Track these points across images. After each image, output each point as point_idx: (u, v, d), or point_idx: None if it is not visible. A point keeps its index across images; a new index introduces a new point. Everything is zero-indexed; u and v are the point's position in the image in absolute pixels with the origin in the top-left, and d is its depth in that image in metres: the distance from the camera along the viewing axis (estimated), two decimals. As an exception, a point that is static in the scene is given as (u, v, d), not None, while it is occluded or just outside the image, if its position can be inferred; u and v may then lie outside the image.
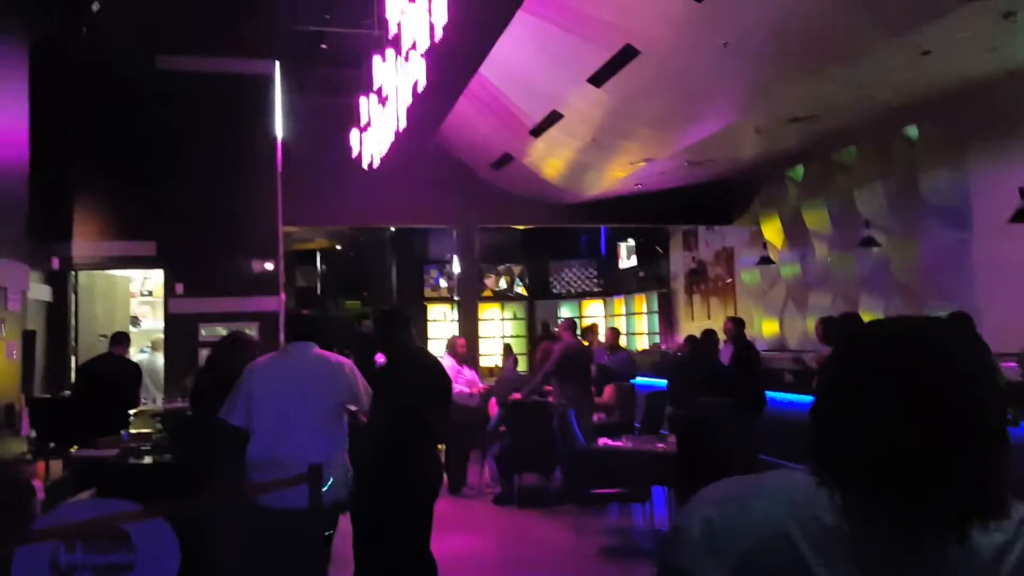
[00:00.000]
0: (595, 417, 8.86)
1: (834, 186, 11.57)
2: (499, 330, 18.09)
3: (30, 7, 6.23)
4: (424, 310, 17.37)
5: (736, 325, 8.97)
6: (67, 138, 9.26)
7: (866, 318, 8.76)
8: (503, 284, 18.65)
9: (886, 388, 0.98)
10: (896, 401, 0.97)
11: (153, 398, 9.55)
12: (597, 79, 8.46)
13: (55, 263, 9.58)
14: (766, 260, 12.54)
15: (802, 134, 9.78)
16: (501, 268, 18.62)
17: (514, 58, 9.37)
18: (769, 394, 8.93)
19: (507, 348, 13.82)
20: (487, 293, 18.06)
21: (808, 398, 8.71)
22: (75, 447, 5.99)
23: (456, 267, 14.31)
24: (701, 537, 1.06)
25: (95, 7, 6.41)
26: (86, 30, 6.50)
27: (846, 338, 1.08)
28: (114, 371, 7.54)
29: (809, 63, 7.42)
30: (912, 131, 10.05)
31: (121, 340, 7.99)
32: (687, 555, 1.06)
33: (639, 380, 11.24)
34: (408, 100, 7.85)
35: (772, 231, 13.05)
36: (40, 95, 6.45)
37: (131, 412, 7.51)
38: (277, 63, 10.50)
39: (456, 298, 14.96)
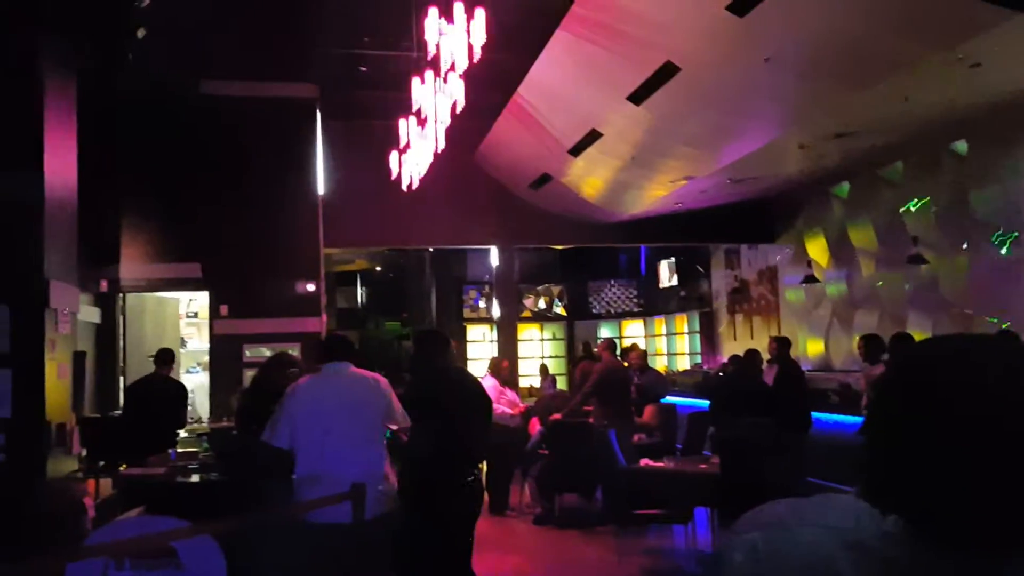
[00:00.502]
0: (635, 437, 8.79)
1: (881, 203, 11.41)
2: (538, 350, 18.05)
3: (77, 35, 6.39)
4: (463, 331, 17.39)
5: (781, 345, 8.86)
6: (114, 163, 9.46)
7: (915, 337, 8.61)
8: (542, 304, 18.61)
9: (949, 408, 0.94)
10: (960, 422, 0.93)
11: (199, 418, 9.67)
12: (636, 97, 8.45)
13: (103, 286, 9.77)
14: (811, 279, 12.39)
15: (847, 150, 9.67)
16: (540, 288, 18.59)
17: (553, 77, 9.40)
18: (814, 415, 8.79)
19: (543, 368, 13.79)
20: (526, 313, 18.04)
21: (854, 419, 8.58)
22: (124, 466, 6.08)
23: (495, 288, 14.33)
24: (745, 563, 1.02)
25: (140, 34, 6.55)
26: (131, 57, 6.64)
27: (904, 355, 1.05)
28: (160, 391, 7.57)
29: (854, 77, 7.35)
30: (961, 146, 9.89)
31: (166, 359, 7.92)
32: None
33: (681, 400, 11.14)
34: (447, 121, 7.90)
35: (817, 249, 12.90)
36: (87, 121, 6.60)
37: (179, 431, 7.61)
38: (318, 87, 10.64)
39: (495, 319, 14.98)
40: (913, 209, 10.73)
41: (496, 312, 14.72)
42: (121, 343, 9.90)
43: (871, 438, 1.01)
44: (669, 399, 10.97)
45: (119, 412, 8.07)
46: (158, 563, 4.25)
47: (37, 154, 5.51)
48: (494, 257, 14.22)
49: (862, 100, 7.84)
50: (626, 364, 10.45)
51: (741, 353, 9.45)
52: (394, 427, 4.67)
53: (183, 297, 11.39)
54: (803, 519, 1.03)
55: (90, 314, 9.10)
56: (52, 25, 5.84)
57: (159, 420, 7.09)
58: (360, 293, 22.84)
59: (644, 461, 7.14)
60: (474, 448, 4.74)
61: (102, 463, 6.43)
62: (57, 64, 5.91)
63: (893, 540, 0.96)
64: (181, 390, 7.77)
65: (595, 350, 10.65)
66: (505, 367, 9.58)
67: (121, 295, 10.08)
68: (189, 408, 8.85)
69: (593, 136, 9.97)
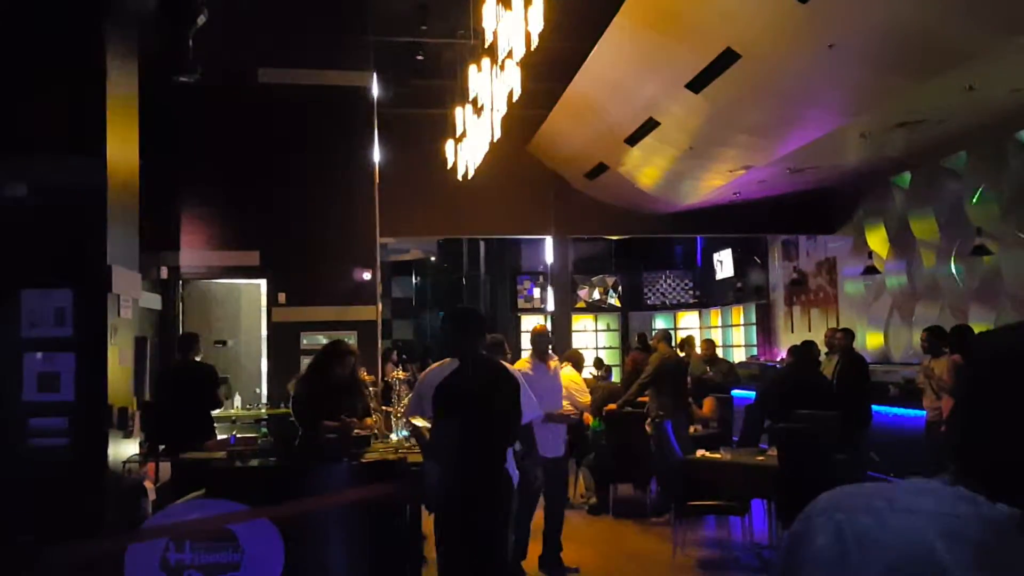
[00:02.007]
0: (691, 428, 8.70)
1: (943, 193, 11.10)
2: (592, 341, 17.97)
3: (138, 23, 6.49)
4: (517, 321, 17.39)
5: (846, 336, 8.70)
6: (174, 151, 9.61)
7: (977, 329, 8.37)
8: (596, 295, 18.51)
9: None
10: None
11: (257, 402, 9.78)
12: (695, 84, 8.31)
13: (164, 272, 9.94)
14: (871, 270, 12.11)
15: (910, 139, 9.42)
16: (595, 279, 18.50)
17: (610, 65, 9.30)
18: (877, 408, 8.62)
19: (598, 362, 13.71)
20: (580, 304, 17.96)
21: (915, 412, 8.37)
22: (183, 450, 6.18)
23: (550, 278, 14.29)
24: (828, 546, 0.96)
25: (201, 21, 6.63)
26: (192, 44, 6.72)
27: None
28: (188, 376, 7.38)
29: (919, 66, 7.14)
30: (1027, 135, 9.58)
31: (188, 344, 7.64)
32: (813, 565, 0.96)
33: (737, 392, 10.99)
34: (503, 110, 7.86)
35: (877, 240, 12.61)
36: (148, 109, 6.71)
37: (213, 414, 7.56)
38: (375, 75, 10.68)
39: (550, 309, 14.93)
40: (975, 201, 10.41)
41: (550, 303, 14.67)
42: (180, 330, 10.07)
43: (972, 422, 0.96)
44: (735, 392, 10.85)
45: (149, 400, 7.83)
46: (217, 546, 4.31)
47: (100, 140, 5.60)
48: (549, 247, 14.17)
49: (926, 89, 7.61)
50: (682, 355, 10.36)
51: (799, 344, 9.29)
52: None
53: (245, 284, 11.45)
54: (894, 504, 0.96)
55: (151, 300, 9.27)
56: (115, 12, 5.93)
57: (191, 405, 7.04)
58: (415, 283, 23.00)
59: (700, 452, 7.06)
60: (496, 447, 4.30)
61: (162, 447, 6.54)
62: (119, 51, 6.00)
63: (998, 529, 0.90)
64: (211, 374, 7.59)
65: (650, 341, 10.53)
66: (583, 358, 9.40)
67: (180, 282, 10.24)
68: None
69: (650, 125, 9.84)
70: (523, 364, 6.54)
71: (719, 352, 17.14)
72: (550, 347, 6.85)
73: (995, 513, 0.91)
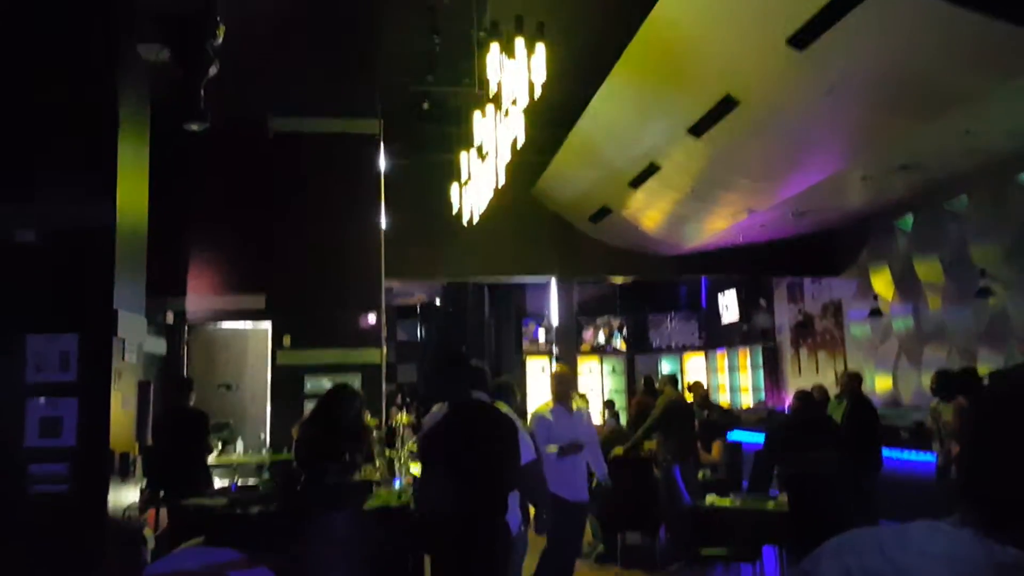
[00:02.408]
0: (699, 474, 8.61)
1: (946, 235, 11.12)
2: (598, 384, 17.90)
3: (151, 70, 6.58)
4: (522, 364, 17.34)
5: (851, 380, 8.66)
6: (183, 195, 9.69)
7: (984, 372, 8.32)
8: (602, 338, 18.49)
9: None
10: None
11: (260, 447, 9.72)
12: (696, 129, 8.39)
13: (169, 317, 9.96)
14: (876, 312, 12.09)
15: (911, 182, 9.47)
16: (600, 321, 18.49)
17: (612, 111, 9.40)
18: (887, 452, 8.54)
19: (609, 404, 13.63)
20: (585, 347, 17.94)
21: (926, 456, 8.29)
22: (183, 497, 6.13)
23: (554, 321, 14.28)
24: None
25: (213, 70, 6.72)
26: (203, 93, 6.80)
27: (1001, 377, 1.00)
28: (182, 421, 7.34)
29: (916, 110, 7.20)
30: (1026, 177, 9.62)
31: (183, 388, 7.61)
32: None
33: (745, 436, 10.91)
34: (507, 155, 7.93)
35: (882, 283, 12.60)
36: (158, 154, 6.77)
37: (209, 460, 7.49)
38: (381, 122, 10.79)
39: (554, 352, 14.90)
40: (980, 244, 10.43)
41: (555, 346, 14.64)
42: (185, 374, 10.05)
43: (977, 462, 0.96)
44: (735, 435, 10.76)
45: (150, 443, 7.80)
46: (216, 594, 4.26)
47: (110, 185, 5.65)
48: (553, 290, 14.18)
49: (925, 132, 7.68)
50: (690, 399, 10.30)
51: (807, 388, 9.24)
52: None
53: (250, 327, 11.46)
54: (906, 546, 0.97)
55: (156, 345, 9.27)
56: (128, 60, 6.02)
57: (185, 450, 6.98)
58: (420, 326, 22.99)
59: (710, 498, 6.98)
60: (489, 494, 4.02)
61: (163, 493, 6.49)
62: (132, 97, 6.08)
63: (1007, 572, 0.90)
64: (202, 419, 7.53)
65: (656, 384, 10.46)
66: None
67: (186, 326, 10.26)
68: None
69: (652, 169, 9.92)
70: (544, 409, 6.34)
71: (721, 396, 17.11)
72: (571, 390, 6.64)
73: (1005, 556, 0.91)
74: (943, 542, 0.95)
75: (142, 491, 6.15)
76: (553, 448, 5.91)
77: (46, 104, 5.71)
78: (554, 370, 6.92)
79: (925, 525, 0.99)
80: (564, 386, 6.50)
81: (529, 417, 6.58)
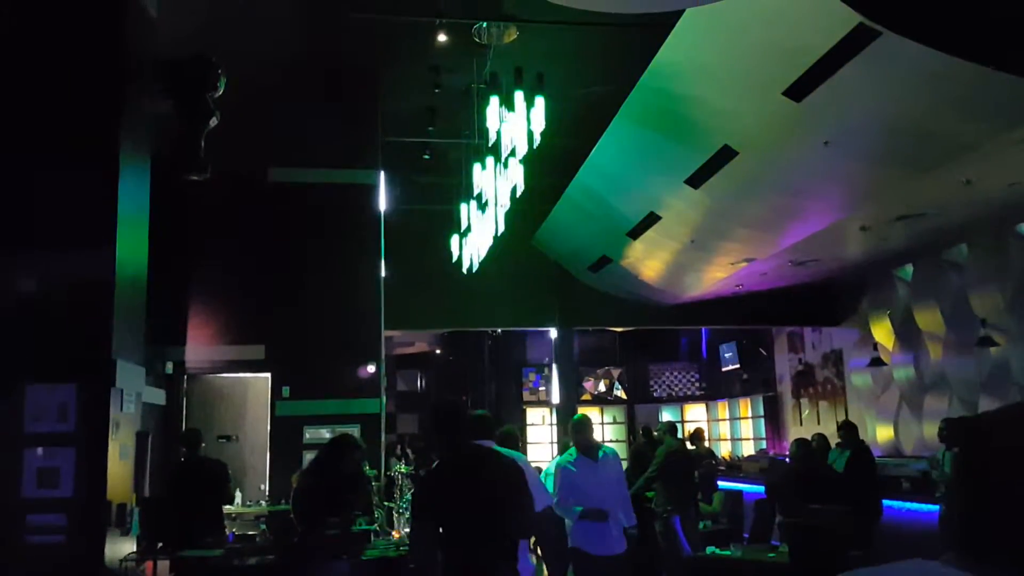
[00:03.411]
0: (700, 524, 8.53)
1: (946, 285, 11.15)
2: (598, 434, 17.78)
3: (152, 121, 6.67)
4: (523, 414, 17.28)
5: (848, 431, 8.63)
6: (182, 245, 9.75)
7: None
8: (602, 387, 18.43)
9: None
10: None
11: (258, 499, 9.64)
12: (694, 180, 8.48)
13: (169, 367, 9.95)
14: (877, 362, 12.07)
15: (910, 232, 9.52)
16: (600, 371, 18.45)
17: (611, 161, 9.50)
18: (888, 503, 8.48)
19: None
20: (586, 396, 17.87)
21: (928, 507, 8.22)
22: (181, 548, 6.07)
23: (554, 371, 14.26)
24: None
25: (213, 122, 6.82)
26: (203, 144, 6.90)
27: (990, 421, 1.02)
28: (201, 471, 7.12)
29: (914, 160, 7.27)
30: (1026, 228, 9.67)
31: (196, 438, 7.47)
32: None
33: (747, 487, 10.82)
34: (507, 205, 8.01)
35: (882, 332, 12.60)
36: (158, 204, 6.83)
37: (227, 510, 7.48)
38: (382, 173, 10.90)
39: (555, 402, 14.85)
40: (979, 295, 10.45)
41: (556, 395, 14.59)
42: (184, 425, 10.00)
43: (962, 502, 0.98)
44: (736, 485, 10.68)
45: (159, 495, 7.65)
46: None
47: (110, 235, 5.68)
48: (553, 339, 14.18)
49: (924, 183, 7.72)
50: (692, 448, 10.24)
51: (807, 437, 9.22)
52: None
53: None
54: None
55: (155, 395, 9.25)
56: (129, 111, 6.10)
57: (204, 501, 6.89)
58: (420, 376, 22.93)
59: (710, 549, 6.91)
60: (498, 547, 3.77)
61: (160, 545, 6.43)
62: (133, 149, 6.16)
63: None
64: (224, 469, 7.45)
65: (654, 433, 10.36)
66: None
67: (185, 376, 10.24)
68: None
69: (652, 219, 9.99)
70: (565, 460, 5.92)
71: (723, 446, 17.02)
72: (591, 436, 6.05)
73: None
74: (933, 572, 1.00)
75: (139, 542, 6.09)
76: (578, 509, 5.65)
77: (47, 152, 5.77)
78: (575, 418, 6.46)
79: (912, 562, 1.03)
80: (583, 433, 6.00)
81: (552, 467, 6.31)
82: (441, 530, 3.76)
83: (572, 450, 5.90)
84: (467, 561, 3.75)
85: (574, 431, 6.16)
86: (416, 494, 4.02)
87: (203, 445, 7.56)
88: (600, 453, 5.86)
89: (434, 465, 4.37)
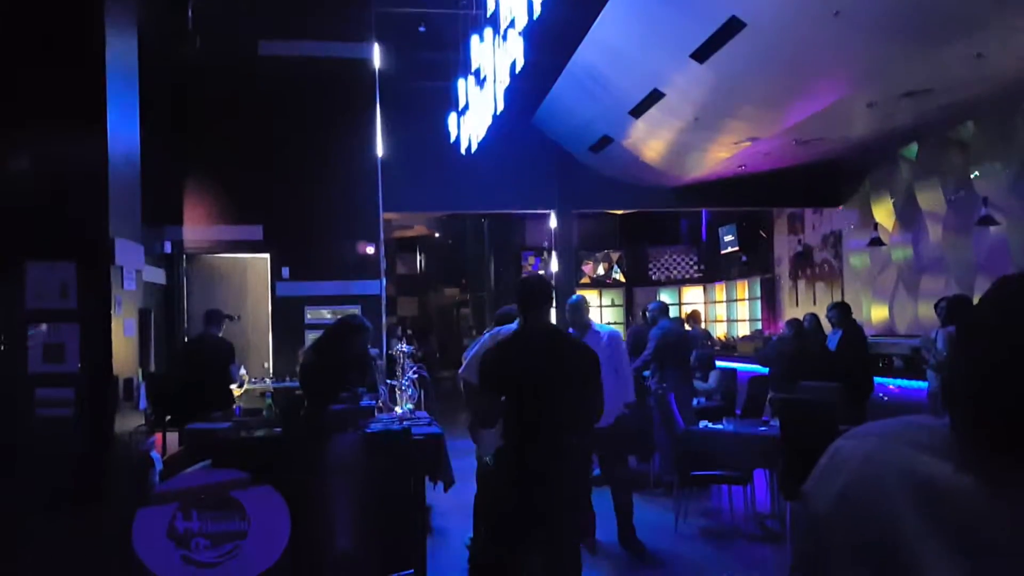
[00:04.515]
0: (694, 401, 8.70)
1: (950, 164, 11.04)
2: (596, 317, 17.97)
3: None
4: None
5: (842, 310, 8.71)
6: (176, 125, 9.58)
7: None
8: (601, 271, 18.51)
9: None
10: None
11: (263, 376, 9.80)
12: (700, 54, 8.25)
13: (167, 247, 9.94)
14: (877, 242, 12.07)
15: (917, 109, 9.34)
16: (599, 255, 18.49)
17: (614, 35, 9.23)
18: (879, 380, 8.63)
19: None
20: (585, 280, 17.97)
21: (919, 384, 8.37)
22: (189, 421, 6.20)
23: (553, 254, 14.27)
24: (824, 463, 1.06)
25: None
26: (192, 15, 6.68)
27: (1000, 284, 1.01)
28: (209, 349, 7.77)
29: (926, 33, 7.07)
30: (1035, 104, 9.49)
31: (218, 318, 8.01)
32: (812, 480, 1.07)
33: (741, 366, 10.99)
34: (506, 81, 7.82)
35: (883, 213, 12.56)
36: (148, 82, 6.67)
37: (233, 389, 7.74)
38: (376, 46, 10.61)
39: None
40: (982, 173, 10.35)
41: (555, 278, 14.65)
42: (185, 304, 10.07)
43: (963, 366, 0.97)
44: (730, 364, 10.85)
45: (167, 371, 8.14)
46: (224, 514, 4.33)
47: (99, 113, 5.57)
48: (553, 223, 14.14)
49: (934, 57, 7.54)
50: (688, 328, 10.38)
51: (797, 318, 9.35)
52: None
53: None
54: (882, 432, 1.03)
55: (155, 275, 9.27)
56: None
57: (212, 378, 7.24)
58: (419, 259, 23.00)
59: (703, 423, 7.08)
60: (555, 427, 3.88)
61: (168, 418, 6.56)
62: (118, 24, 5.96)
63: (947, 471, 0.94)
64: (230, 349, 7.91)
65: (646, 315, 10.41)
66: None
67: (184, 256, 10.24)
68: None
69: (655, 96, 9.78)
70: None
71: (719, 327, 17.23)
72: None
73: (950, 444, 0.95)
74: (911, 431, 1.00)
75: (147, 416, 6.22)
76: None
77: (31, 36, 5.60)
78: (570, 299, 6.58)
79: (914, 417, 1.06)
80: (578, 315, 6.27)
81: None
82: (504, 399, 3.89)
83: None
84: (523, 438, 3.86)
85: (570, 312, 6.31)
86: (483, 361, 4.10)
87: (224, 325, 8.04)
88: (591, 332, 6.07)
89: (508, 336, 4.45)
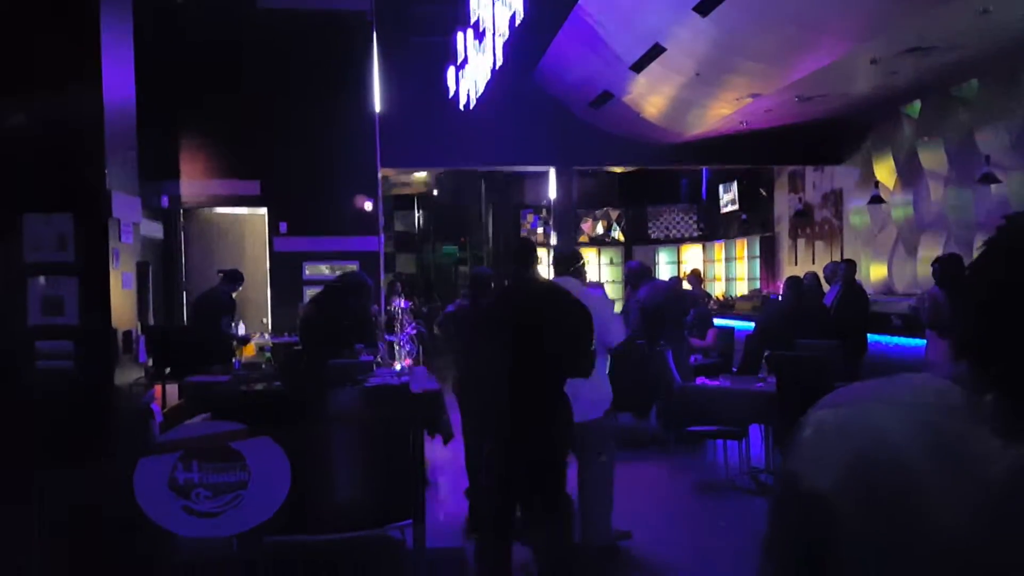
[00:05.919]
0: (691, 358, 8.73)
1: (953, 121, 10.96)
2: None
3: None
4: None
5: (848, 268, 8.72)
6: (172, 79, 9.49)
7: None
8: (600, 229, 18.48)
9: None
10: None
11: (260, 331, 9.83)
12: (703, 7, 8.14)
13: (164, 201, 9.90)
14: (877, 199, 12.02)
15: (921, 66, 9.24)
16: (598, 213, 18.44)
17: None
18: (877, 338, 8.65)
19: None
20: (584, 238, 17.95)
21: (917, 342, 8.40)
22: (189, 374, 6.23)
23: (553, 212, 14.24)
24: (811, 438, 0.99)
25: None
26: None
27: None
28: (205, 304, 8.14)
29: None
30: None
31: (230, 277, 8.33)
32: (798, 458, 1.00)
33: (739, 324, 11.02)
34: (505, 35, 7.75)
35: (884, 171, 12.51)
36: (144, 35, 6.59)
37: (234, 342, 7.85)
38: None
39: (553, 243, 14.91)
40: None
41: (554, 237, 14.63)
42: (184, 259, 10.07)
43: (970, 313, 0.95)
44: (728, 322, 10.88)
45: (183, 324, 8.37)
46: (225, 465, 4.36)
47: (95, 66, 5.50)
48: (552, 180, 14.07)
49: (939, 11, 7.45)
50: (688, 287, 10.41)
51: (796, 276, 9.35)
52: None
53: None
54: (878, 395, 0.99)
55: (153, 229, 9.25)
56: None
57: (208, 332, 7.45)
58: (417, 217, 22.92)
59: (700, 380, 7.11)
60: (541, 377, 3.95)
61: (168, 370, 6.59)
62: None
63: (956, 414, 0.91)
64: (227, 303, 8.13)
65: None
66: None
67: (182, 211, 10.21)
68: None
69: (656, 51, 9.68)
70: None
71: (717, 286, 17.25)
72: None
73: (955, 398, 0.92)
74: (915, 391, 0.97)
75: (147, 368, 6.25)
76: None
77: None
78: (564, 252, 6.53)
79: (906, 375, 1.01)
80: (563, 266, 6.30)
81: None
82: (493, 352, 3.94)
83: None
84: (514, 389, 3.92)
85: (561, 260, 6.22)
86: (473, 316, 4.16)
87: (239, 286, 8.45)
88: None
89: (500, 289, 4.48)
